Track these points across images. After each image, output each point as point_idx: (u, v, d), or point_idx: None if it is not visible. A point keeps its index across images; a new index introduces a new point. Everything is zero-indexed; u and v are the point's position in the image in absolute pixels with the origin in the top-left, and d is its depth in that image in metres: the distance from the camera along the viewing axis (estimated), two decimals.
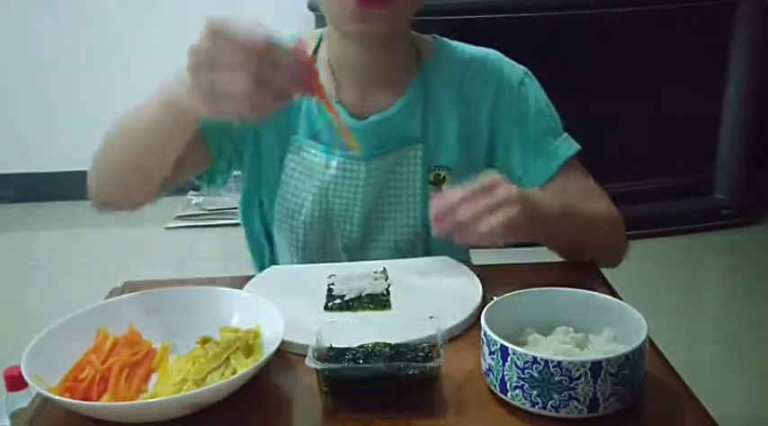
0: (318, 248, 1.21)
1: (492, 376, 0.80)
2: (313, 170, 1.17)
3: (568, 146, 1.22)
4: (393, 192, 1.19)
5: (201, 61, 0.81)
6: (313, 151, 1.17)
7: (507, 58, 1.23)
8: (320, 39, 1.20)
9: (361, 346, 0.84)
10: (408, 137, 1.18)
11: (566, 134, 1.23)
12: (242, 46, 0.79)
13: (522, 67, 1.23)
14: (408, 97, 1.18)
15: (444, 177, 1.20)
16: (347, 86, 1.18)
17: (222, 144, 1.16)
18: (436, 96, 1.19)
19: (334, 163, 1.16)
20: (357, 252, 1.20)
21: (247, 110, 0.82)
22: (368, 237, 1.20)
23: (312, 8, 2.90)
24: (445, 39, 1.24)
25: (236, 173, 1.23)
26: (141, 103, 1.00)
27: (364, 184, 1.16)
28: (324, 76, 1.13)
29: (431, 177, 1.19)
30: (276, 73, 0.81)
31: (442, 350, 0.81)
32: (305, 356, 0.81)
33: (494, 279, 1.04)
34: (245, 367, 0.83)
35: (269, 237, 1.27)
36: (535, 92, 1.21)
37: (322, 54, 1.19)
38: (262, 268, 1.23)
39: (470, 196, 0.96)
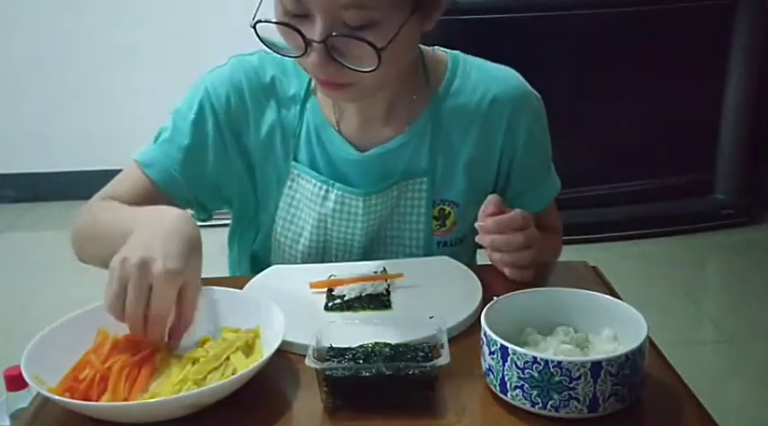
0: None
1: (492, 376, 0.80)
2: (312, 200, 1.13)
3: (555, 183, 1.24)
4: (396, 226, 1.15)
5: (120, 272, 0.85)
6: (312, 180, 1.13)
7: (525, 83, 1.17)
8: None
9: (361, 346, 0.84)
10: (413, 170, 1.13)
11: (552, 169, 1.24)
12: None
13: (536, 94, 1.17)
14: (415, 129, 1.12)
15: (450, 212, 1.15)
16: (348, 116, 1.13)
17: (193, 198, 1.15)
18: (447, 127, 1.13)
19: (332, 195, 1.12)
20: None
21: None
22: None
23: None
24: (460, 55, 1.17)
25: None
26: (111, 222, 1.02)
27: (363, 219, 1.12)
28: (326, 106, 1.13)
29: (435, 212, 1.15)
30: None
31: (442, 350, 0.81)
32: (305, 356, 0.81)
33: (494, 279, 1.04)
34: (245, 367, 0.83)
35: (254, 264, 1.24)
36: (543, 125, 1.19)
37: None
38: None
39: (505, 228, 1.01)
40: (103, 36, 3.57)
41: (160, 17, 3.54)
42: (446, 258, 1.13)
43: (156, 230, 0.89)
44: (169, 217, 0.92)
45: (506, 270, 1.05)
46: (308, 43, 0.94)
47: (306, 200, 1.14)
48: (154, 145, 1.15)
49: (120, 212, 1.04)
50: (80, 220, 1.11)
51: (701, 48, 3.03)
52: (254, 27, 0.95)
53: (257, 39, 1.21)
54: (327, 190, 1.12)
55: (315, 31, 0.93)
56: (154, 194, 1.12)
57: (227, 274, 1.29)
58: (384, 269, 1.08)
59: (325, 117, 1.13)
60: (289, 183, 1.14)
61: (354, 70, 0.94)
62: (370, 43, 0.92)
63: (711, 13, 3.01)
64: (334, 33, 0.92)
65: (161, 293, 0.84)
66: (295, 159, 1.14)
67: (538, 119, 1.18)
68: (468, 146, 1.14)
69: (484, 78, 1.14)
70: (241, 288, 1.02)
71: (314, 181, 1.13)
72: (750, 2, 2.99)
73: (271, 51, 1.01)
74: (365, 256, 1.16)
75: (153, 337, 0.85)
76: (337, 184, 1.12)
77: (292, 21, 0.94)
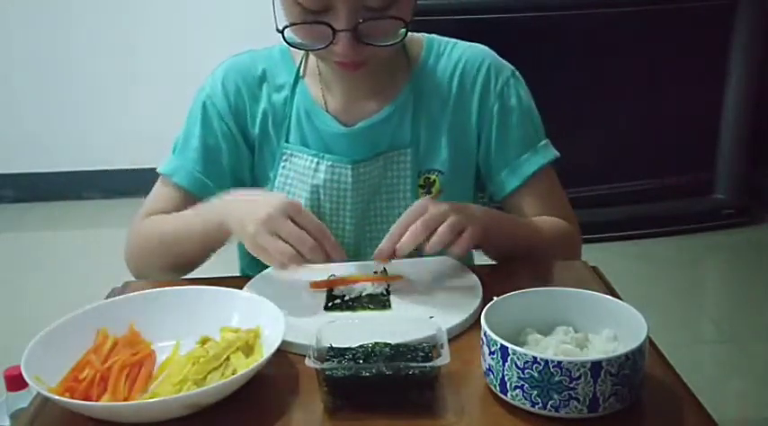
0: None
1: (492, 376, 0.80)
2: (304, 174, 1.18)
3: (544, 153, 1.21)
4: (384, 197, 1.19)
5: (265, 227, 0.97)
6: (304, 156, 1.18)
7: (496, 56, 1.22)
8: None
9: (361, 346, 0.84)
10: (398, 143, 1.18)
11: (545, 140, 1.22)
12: (302, 231, 0.97)
13: (509, 67, 1.22)
14: (397, 103, 1.18)
15: (435, 180, 1.19)
16: (335, 95, 1.19)
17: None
18: (427, 100, 1.19)
19: (323, 167, 1.17)
20: (351, 257, 1.19)
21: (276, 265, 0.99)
22: (361, 243, 1.20)
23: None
24: (435, 36, 1.23)
25: None
26: (183, 220, 1.14)
27: (353, 188, 1.17)
28: (313, 88, 1.20)
29: (420, 181, 1.19)
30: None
31: (442, 350, 0.81)
32: (305, 356, 0.81)
33: (494, 279, 1.04)
34: (245, 367, 0.83)
35: None
36: (518, 93, 1.21)
37: (311, 62, 1.20)
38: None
39: (403, 226, 1.01)
40: (103, 36, 3.58)
41: (160, 17, 3.54)
42: (446, 258, 1.13)
43: (242, 200, 1.06)
44: (236, 194, 1.10)
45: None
46: (335, 33, 1.00)
47: (299, 176, 1.19)
48: (172, 155, 1.22)
49: (184, 219, 1.14)
50: (136, 241, 1.20)
51: (701, 48, 3.02)
52: (282, 32, 1.03)
53: (259, 39, 1.24)
54: (318, 163, 1.18)
55: (341, 21, 1.00)
56: (187, 199, 1.18)
57: (230, 272, 1.29)
58: (384, 269, 1.08)
59: (314, 99, 1.19)
60: (282, 164, 1.20)
61: (383, 46, 1.03)
62: (400, 18, 1.02)
63: (711, 13, 3.01)
64: (360, 20, 1.00)
65: (303, 216, 0.98)
66: (287, 141, 1.20)
67: (512, 88, 1.20)
68: (447, 114, 1.20)
69: (457, 52, 1.21)
70: (241, 288, 1.02)
71: (305, 156, 1.19)
72: (750, 2, 2.99)
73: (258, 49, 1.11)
74: (357, 228, 1.20)
75: (335, 248, 0.99)
76: (327, 156, 1.17)
77: (313, 17, 1.01)
